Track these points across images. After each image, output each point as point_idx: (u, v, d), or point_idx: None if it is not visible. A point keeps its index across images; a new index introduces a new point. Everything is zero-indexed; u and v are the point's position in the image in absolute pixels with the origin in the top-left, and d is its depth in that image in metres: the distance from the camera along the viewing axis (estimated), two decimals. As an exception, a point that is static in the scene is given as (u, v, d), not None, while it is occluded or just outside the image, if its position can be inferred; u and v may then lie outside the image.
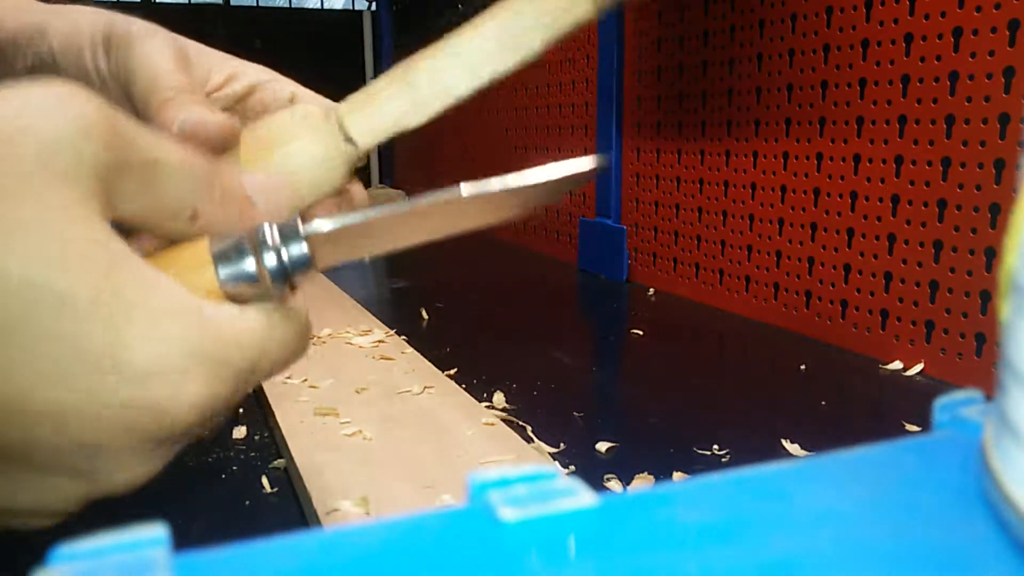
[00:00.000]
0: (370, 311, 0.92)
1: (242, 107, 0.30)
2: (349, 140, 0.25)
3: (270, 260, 0.21)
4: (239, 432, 0.56)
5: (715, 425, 0.58)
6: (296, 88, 0.30)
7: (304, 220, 0.22)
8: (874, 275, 0.75)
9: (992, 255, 0.63)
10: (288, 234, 0.21)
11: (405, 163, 2.37)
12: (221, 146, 0.25)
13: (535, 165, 0.28)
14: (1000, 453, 0.17)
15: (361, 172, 0.29)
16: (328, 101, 0.29)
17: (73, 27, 0.28)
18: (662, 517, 0.17)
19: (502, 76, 0.25)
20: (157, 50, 0.27)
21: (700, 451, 0.53)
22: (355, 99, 0.26)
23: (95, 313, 0.18)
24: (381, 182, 2.56)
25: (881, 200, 0.73)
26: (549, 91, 1.37)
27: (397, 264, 1.50)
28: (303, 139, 0.25)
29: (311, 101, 0.30)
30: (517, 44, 0.25)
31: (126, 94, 0.27)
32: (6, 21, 0.29)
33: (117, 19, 0.28)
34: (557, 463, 0.51)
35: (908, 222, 0.71)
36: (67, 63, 0.28)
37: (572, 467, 0.51)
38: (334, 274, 1.21)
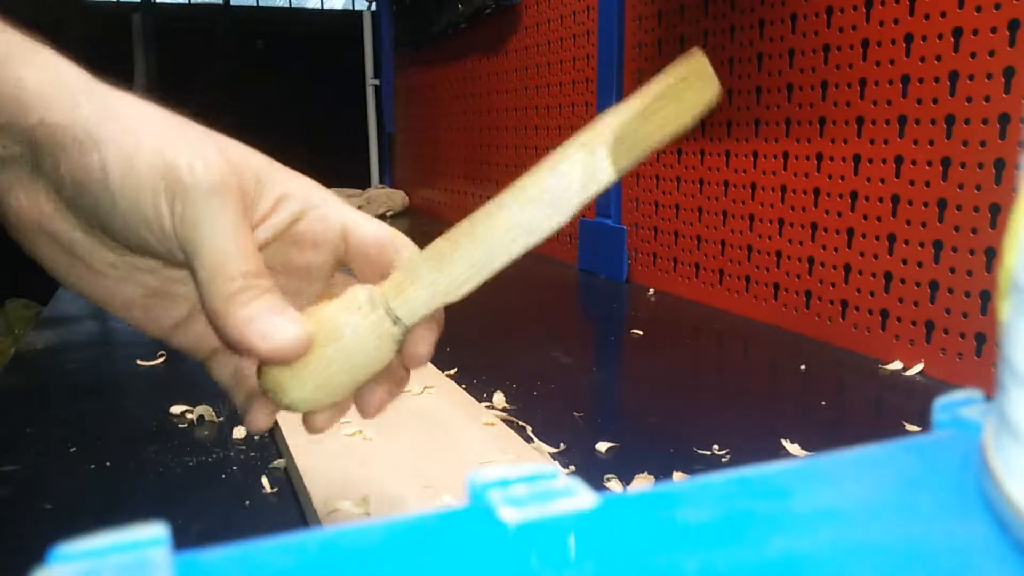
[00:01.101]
0: (370, 311, 0.92)
1: (290, 235, 0.29)
2: (396, 320, 0.27)
3: None
4: (239, 432, 0.56)
5: (715, 425, 0.58)
6: (346, 216, 0.30)
7: (357, 402, 0.29)
8: (874, 275, 0.75)
9: (992, 255, 0.63)
10: None
11: (405, 163, 2.37)
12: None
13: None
14: (1000, 453, 0.17)
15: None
16: (384, 247, 0.30)
17: (130, 149, 0.25)
18: (662, 517, 0.17)
19: (536, 245, 0.28)
20: (221, 214, 0.25)
21: (700, 451, 0.53)
22: (398, 279, 0.28)
23: None
24: (381, 181, 2.56)
25: (881, 200, 0.73)
26: (549, 91, 1.37)
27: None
28: (355, 331, 0.27)
29: (362, 228, 0.30)
30: (548, 217, 0.27)
31: (186, 256, 0.26)
32: (52, 111, 0.25)
33: (178, 159, 0.25)
34: (557, 463, 0.51)
35: (908, 222, 0.71)
36: (124, 197, 0.25)
37: (572, 467, 0.51)
38: (334, 274, 1.21)
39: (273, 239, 0.29)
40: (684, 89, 0.27)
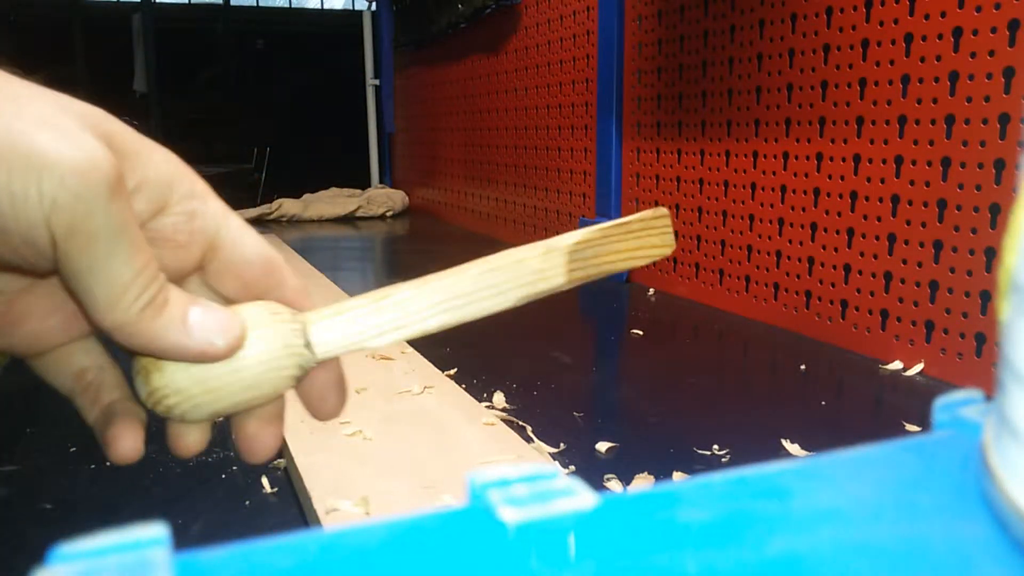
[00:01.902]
0: (370, 311, 0.92)
1: (147, 229, 0.24)
2: (308, 345, 0.25)
3: None
4: (239, 432, 0.56)
5: (715, 425, 0.58)
6: (225, 221, 0.25)
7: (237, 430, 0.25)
8: (874, 275, 0.75)
9: (992, 255, 0.63)
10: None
11: (405, 163, 2.37)
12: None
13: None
14: (1000, 453, 0.17)
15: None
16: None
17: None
18: (662, 517, 0.17)
19: (473, 319, 0.27)
20: (109, 213, 0.21)
21: (700, 451, 0.53)
22: (325, 311, 0.26)
23: None
24: (381, 181, 2.56)
25: (881, 200, 0.73)
26: (549, 91, 1.37)
27: (396, 264, 1.50)
28: (266, 329, 0.24)
29: (245, 241, 0.25)
30: (492, 296, 0.27)
31: (67, 274, 0.21)
32: None
33: (43, 144, 0.20)
34: (557, 463, 0.51)
35: (908, 222, 0.71)
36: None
37: (572, 467, 0.51)
38: (334, 274, 1.21)
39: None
40: (645, 234, 0.29)
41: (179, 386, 0.24)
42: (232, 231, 0.25)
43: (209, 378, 0.24)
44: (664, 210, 0.29)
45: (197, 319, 0.23)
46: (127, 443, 0.25)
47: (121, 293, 0.21)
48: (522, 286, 0.28)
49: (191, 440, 0.25)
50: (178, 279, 0.25)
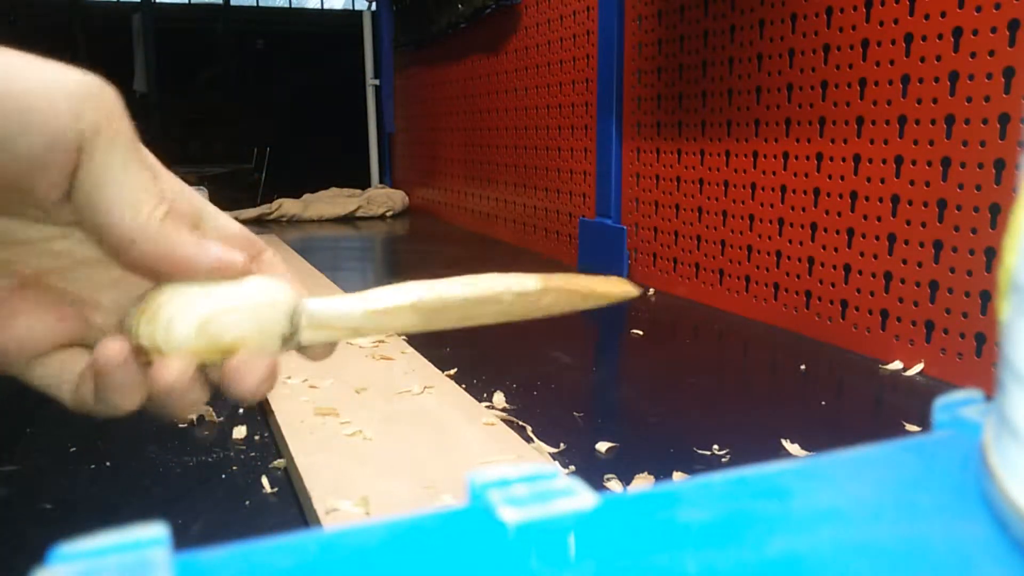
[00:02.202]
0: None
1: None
2: (295, 330, 0.26)
3: None
4: (239, 432, 0.56)
5: (715, 425, 0.58)
6: (201, 205, 0.26)
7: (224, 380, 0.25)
8: (874, 275, 0.75)
9: (992, 255, 0.63)
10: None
11: (405, 163, 2.37)
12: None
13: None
14: (1000, 453, 0.17)
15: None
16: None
17: None
18: (662, 517, 0.17)
19: (454, 327, 0.28)
20: (127, 136, 0.23)
21: (700, 451, 0.53)
22: (323, 301, 0.27)
23: None
24: (381, 181, 2.56)
25: (881, 200, 0.73)
26: (549, 91, 1.37)
27: (396, 264, 1.50)
28: (264, 281, 0.26)
29: (220, 221, 0.27)
30: (475, 308, 0.28)
31: (90, 188, 0.22)
32: None
33: (68, 75, 0.22)
34: (557, 463, 0.51)
35: (908, 222, 0.71)
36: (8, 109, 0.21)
37: (572, 467, 0.51)
38: (334, 274, 1.21)
39: None
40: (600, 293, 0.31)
41: (174, 307, 0.25)
42: (211, 210, 0.27)
43: (205, 310, 0.25)
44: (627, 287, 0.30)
45: (207, 239, 0.24)
46: (129, 396, 0.25)
47: (143, 199, 0.23)
48: (505, 303, 0.28)
49: (174, 369, 0.24)
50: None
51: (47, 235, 0.24)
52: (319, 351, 0.27)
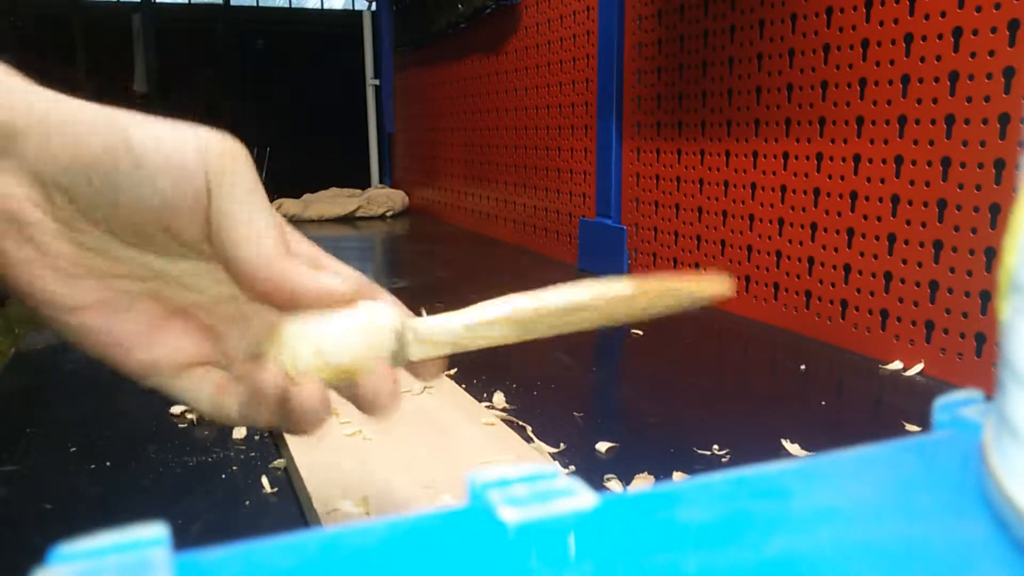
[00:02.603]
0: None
1: None
2: (403, 347, 0.30)
3: None
4: (239, 432, 0.56)
5: (715, 425, 0.58)
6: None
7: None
8: (874, 275, 0.75)
9: (992, 255, 0.63)
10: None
11: (405, 163, 2.37)
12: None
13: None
14: (1000, 453, 0.17)
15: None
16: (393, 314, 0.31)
17: (155, 130, 0.27)
18: (662, 517, 0.17)
19: (551, 335, 0.31)
20: (254, 184, 0.28)
21: (700, 451, 0.53)
22: (428, 319, 0.30)
23: None
24: (381, 181, 2.56)
25: (881, 200, 0.73)
26: (549, 91, 1.37)
27: (397, 263, 1.50)
28: (371, 306, 0.29)
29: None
30: (570, 315, 0.30)
31: (221, 230, 0.27)
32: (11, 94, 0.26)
33: (210, 137, 0.27)
34: (557, 463, 0.51)
35: (908, 222, 0.71)
36: (165, 175, 0.26)
37: (572, 467, 0.51)
38: (334, 274, 1.21)
39: None
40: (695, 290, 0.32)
41: (296, 335, 0.28)
42: (326, 257, 0.31)
43: (320, 336, 0.28)
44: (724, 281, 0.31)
45: (320, 272, 0.28)
46: (264, 416, 0.30)
47: (266, 235, 0.27)
48: (600, 309, 0.30)
49: (309, 392, 0.29)
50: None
51: (191, 271, 0.29)
52: (430, 369, 0.32)
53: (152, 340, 0.29)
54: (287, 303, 0.28)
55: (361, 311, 0.29)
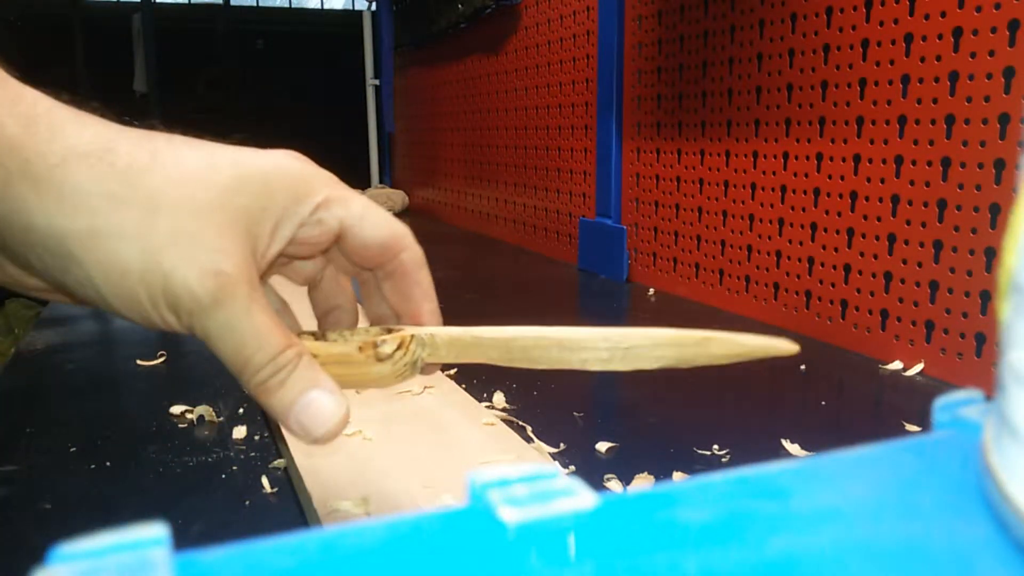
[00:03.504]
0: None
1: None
2: (418, 370, 0.31)
3: None
4: (239, 432, 0.56)
5: (715, 425, 0.58)
6: (346, 215, 0.30)
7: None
8: (874, 275, 0.75)
9: (992, 255, 0.63)
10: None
11: (405, 163, 2.37)
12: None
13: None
14: (1000, 453, 0.17)
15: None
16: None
17: (113, 264, 0.24)
18: (662, 517, 0.17)
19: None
20: (231, 319, 0.25)
21: (700, 451, 0.53)
22: (453, 332, 0.31)
23: None
24: (381, 181, 2.56)
25: (881, 200, 0.73)
26: (549, 91, 1.37)
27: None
28: (386, 380, 0.30)
29: (363, 231, 0.30)
30: (591, 357, 0.30)
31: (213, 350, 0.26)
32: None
33: (173, 274, 0.24)
34: (557, 463, 0.51)
35: (908, 222, 0.71)
36: (118, 299, 0.24)
37: (572, 467, 0.51)
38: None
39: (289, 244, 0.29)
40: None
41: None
42: (354, 220, 0.30)
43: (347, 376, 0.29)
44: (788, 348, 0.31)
45: (304, 408, 0.27)
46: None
47: (244, 366, 0.26)
48: (628, 358, 0.30)
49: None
50: (313, 256, 0.31)
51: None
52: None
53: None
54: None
55: (384, 367, 0.30)
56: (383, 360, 0.29)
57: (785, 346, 0.31)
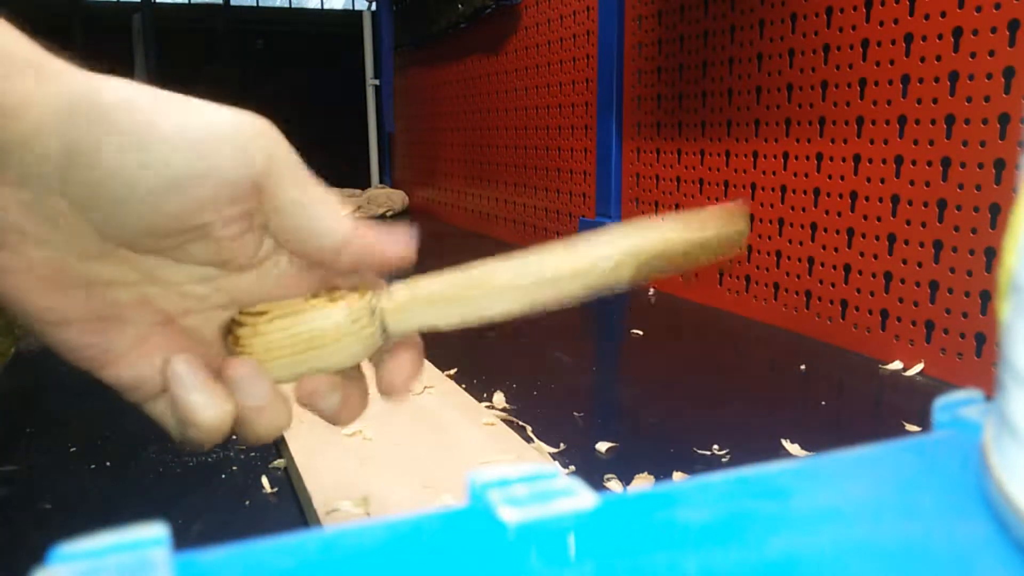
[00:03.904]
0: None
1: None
2: (384, 331, 0.29)
3: None
4: (239, 432, 0.56)
5: (715, 425, 0.58)
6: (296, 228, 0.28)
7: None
8: (874, 275, 0.75)
9: (992, 255, 0.63)
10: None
11: (405, 163, 2.37)
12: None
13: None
14: (1000, 453, 0.17)
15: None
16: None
17: (188, 108, 0.25)
18: (662, 517, 0.17)
19: (540, 309, 0.30)
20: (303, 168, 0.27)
21: (700, 451, 0.53)
22: (400, 295, 0.29)
23: None
24: (381, 181, 2.56)
25: (881, 200, 0.73)
26: (549, 91, 1.37)
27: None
28: (348, 340, 0.28)
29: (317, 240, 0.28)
30: (559, 286, 0.29)
31: (276, 206, 0.26)
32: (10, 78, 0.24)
33: (254, 118, 0.26)
34: (557, 463, 0.51)
35: (908, 222, 0.71)
36: (195, 151, 0.24)
37: (572, 467, 0.51)
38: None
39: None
40: (717, 240, 0.30)
41: (269, 345, 0.27)
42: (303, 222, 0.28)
43: (287, 343, 0.28)
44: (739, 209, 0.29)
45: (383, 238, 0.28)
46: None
47: (334, 210, 0.27)
48: (588, 279, 0.29)
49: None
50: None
51: (188, 278, 0.27)
52: (404, 367, 0.32)
53: (138, 355, 0.27)
54: (375, 266, 0.28)
55: (339, 309, 0.28)
56: (336, 302, 0.27)
57: (736, 207, 0.30)
